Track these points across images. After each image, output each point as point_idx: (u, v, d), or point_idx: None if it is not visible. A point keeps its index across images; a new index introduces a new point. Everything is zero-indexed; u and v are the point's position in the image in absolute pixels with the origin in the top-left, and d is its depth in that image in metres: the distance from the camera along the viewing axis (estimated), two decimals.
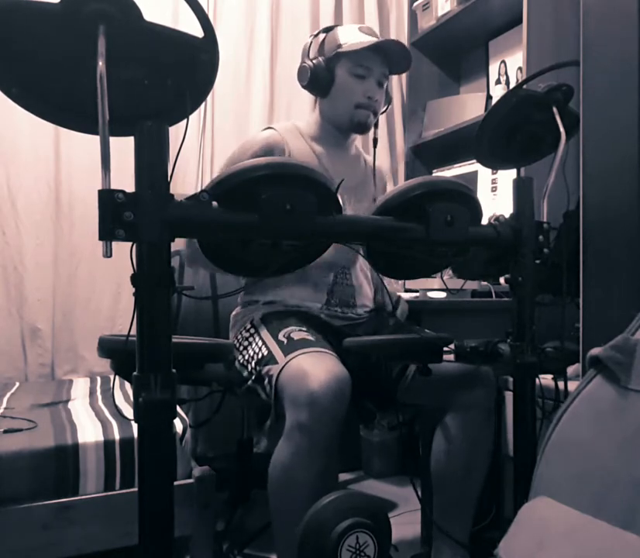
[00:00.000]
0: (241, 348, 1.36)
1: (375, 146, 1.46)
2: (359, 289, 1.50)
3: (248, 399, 1.36)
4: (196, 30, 0.78)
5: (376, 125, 1.49)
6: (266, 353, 1.26)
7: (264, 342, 1.29)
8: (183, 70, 0.80)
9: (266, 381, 1.22)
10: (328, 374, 1.11)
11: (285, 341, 1.25)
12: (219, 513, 1.56)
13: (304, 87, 1.49)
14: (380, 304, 1.57)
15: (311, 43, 1.48)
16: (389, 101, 1.54)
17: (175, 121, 0.83)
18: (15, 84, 0.77)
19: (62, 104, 0.81)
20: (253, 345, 1.32)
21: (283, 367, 1.17)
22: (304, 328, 1.31)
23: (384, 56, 1.44)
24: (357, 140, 1.62)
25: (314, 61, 1.44)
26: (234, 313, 1.52)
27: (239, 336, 1.40)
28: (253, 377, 1.28)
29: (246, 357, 1.32)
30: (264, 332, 1.33)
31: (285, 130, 1.50)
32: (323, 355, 1.19)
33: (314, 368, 1.12)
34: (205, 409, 1.91)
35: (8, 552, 1.14)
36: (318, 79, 1.45)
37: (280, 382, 1.16)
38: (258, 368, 1.27)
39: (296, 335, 1.27)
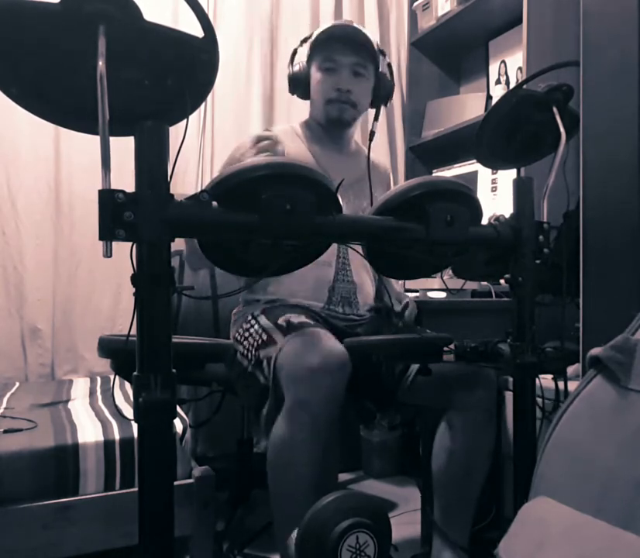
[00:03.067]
0: (242, 339, 1.37)
1: (371, 140, 1.43)
2: (360, 287, 1.50)
3: (247, 394, 1.35)
4: (196, 30, 0.78)
5: (376, 118, 1.45)
6: (265, 338, 1.27)
7: (264, 329, 1.30)
8: (183, 70, 0.80)
9: (265, 363, 1.23)
10: (326, 350, 1.11)
11: (284, 324, 1.26)
12: (219, 513, 1.56)
13: (292, 93, 1.52)
14: (382, 305, 1.57)
15: (296, 50, 1.50)
16: (388, 87, 1.49)
17: (175, 121, 0.83)
18: (15, 83, 0.77)
19: (62, 104, 0.81)
20: (254, 334, 1.33)
21: (282, 347, 1.18)
22: (303, 316, 1.31)
23: (351, 44, 1.42)
24: (357, 136, 1.61)
25: (294, 67, 1.47)
26: (235, 311, 1.52)
27: (240, 330, 1.40)
28: (253, 362, 1.28)
29: (247, 346, 1.33)
30: (264, 321, 1.34)
31: (282, 132, 1.51)
32: (321, 334, 1.19)
33: (313, 345, 1.13)
34: (205, 409, 1.91)
35: (8, 552, 1.14)
36: (296, 82, 1.48)
37: (279, 361, 1.17)
38: (257, 353, 1.27)
39: (295, 320, 1.28)
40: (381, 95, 1.49)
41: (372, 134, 1.43)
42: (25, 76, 0.77)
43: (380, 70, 1.47)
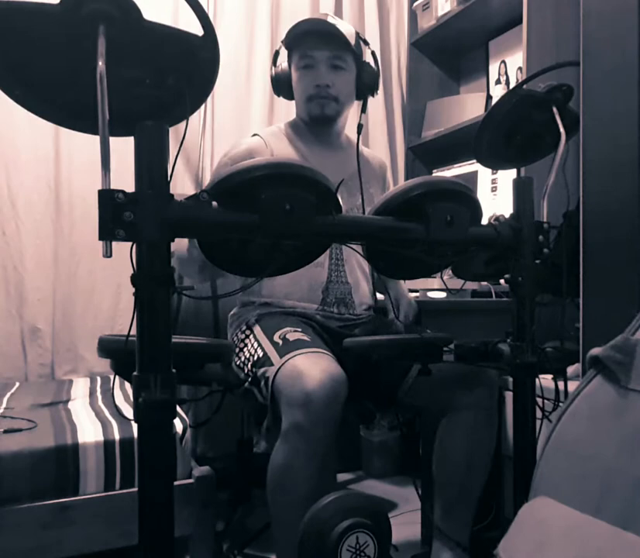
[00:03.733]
0: (237, 349, 1.36)
1: (359, 133, 1.41)
2: (355, 286, 1.49)
3: (246, 400, 1.36)
4: (196, 30, 0.78)
5: (363, 110, 1.44)
6: (261, 355, 1.26)
7: (260, 344, 1.29)
8: (183, 69, 0.80)
9: (262, 383, 1.22)
10: (324, 374, 1.11)
11: (280, 342, 1.25)
12: (219, 513, 1.56)
13: (277, 95, 1.52)
14: (380, 305, 1.56)
15: (277, 52, 1.50)
16: (372, 75, 1.46)
17: (176, 121, 0.83)
18: (18, 85, 0.77)
19: (64, 104, 0.81)
20: (249, 346, 1.32)
21: (278, 369, 1.17)
22: (299, 329, 1.30)
23: (324, 37, 1.40)
24: (348, 130, 1.60)
25: (276, 68, 1.48)
26: (231, 313, 1.52)
27: (235, 338, 1.40)
28: (250, 379, 1.28)
29: (243, 359, 1.32)
30: (259, 334, 1.32)
31: (270, 134, 1.51)
32: (319, 355, 1.19)
33: (310, 368, 1.12)
34: (205, 409, 1.91)
35: (8, 552, 1.14)
36: (279, 84, 1.48)
37: (276, 383, 1.16)
38: (254, 370, 1.26)
39: (291, 336, 1.26)
40: (365, 85, 1.46)
41: (360, 127, 1.41)
42: (27, 77, 0.77)
43: (363, 59, 1.45)
